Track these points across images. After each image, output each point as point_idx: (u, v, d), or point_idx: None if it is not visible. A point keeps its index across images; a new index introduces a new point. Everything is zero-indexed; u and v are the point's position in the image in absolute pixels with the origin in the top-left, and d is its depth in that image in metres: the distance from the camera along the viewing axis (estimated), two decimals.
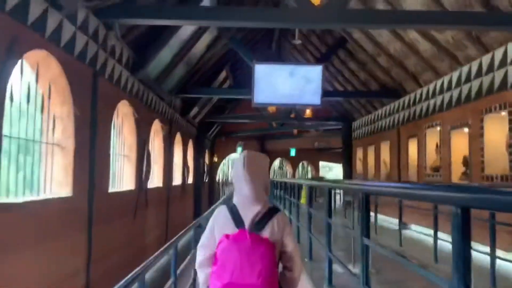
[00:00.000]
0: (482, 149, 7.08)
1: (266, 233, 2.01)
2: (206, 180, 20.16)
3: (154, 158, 10.19)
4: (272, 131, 20.56)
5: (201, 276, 2.13)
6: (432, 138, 9.26)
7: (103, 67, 6.04)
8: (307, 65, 10.84)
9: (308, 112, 17.98)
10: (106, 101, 6.25)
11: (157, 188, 10.02)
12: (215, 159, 21.40)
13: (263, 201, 2.07)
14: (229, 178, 23.87)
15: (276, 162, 26.56)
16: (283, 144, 23.37)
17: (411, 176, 10.25)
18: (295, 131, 23.45)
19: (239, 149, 22.71)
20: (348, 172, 16.00)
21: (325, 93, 10.83)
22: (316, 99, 10.66)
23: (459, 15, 6.35)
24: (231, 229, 2.01)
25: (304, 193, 18.21)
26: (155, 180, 10.16)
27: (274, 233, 2.02)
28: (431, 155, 9.35)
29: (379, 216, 8.80)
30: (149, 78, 7.97)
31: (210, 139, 20.25)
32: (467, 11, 6.50)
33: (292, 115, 17.11)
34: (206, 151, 19.73)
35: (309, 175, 27.44)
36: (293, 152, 23.94)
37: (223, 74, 13.05)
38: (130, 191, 7.78)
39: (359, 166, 15.30)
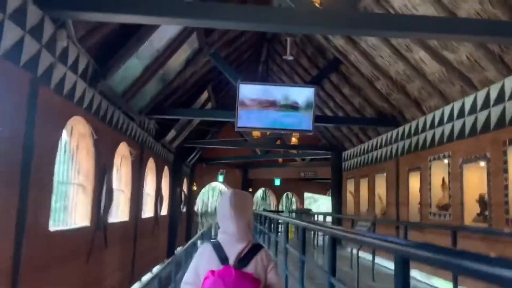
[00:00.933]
0: (506, 187, 5.98)
1: (250, 269, 2.05)
2: (184, 211, 18.68)
3: (121, 187, 8.83)
4: (256, 159, 19.37)
5: None
6: (438, 171, 8.17)
7: (47, 73, 4.77)
8: (298, 87, 9.77)
9: (294, 139, 16.93)
10: (50, 116, 4.96)
11: (122, 223, 8.62)
12: (194, 187, 20.00)
13: (248, 238, 2.13)
14: (209, 210, 22.44)
15: (259, 192, 25.28)
16: (267, 173, 22.16)
17: (412, 214, 9.10)
18: (280, 159, 22.35)
19: (220, 177, 21.39)
20: (338, 206, 14.80)
21: (316, 118, 9.74)
22: (307, 125, 9.56)
23: (481, 24, 5.39)
24: (216, 266, 2.04)
25: (291, 226, 16.93)
26: (120, 213, 8.77)
27: (258, 269, 2.07)
28: (437, 191, 8.24)
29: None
30: (114, 93, 6.73)
31: (189, 166, 18.90)
32: (492, 19, 5.54)
33: (278, 142, 16.02)
34: (185, 178, 18.35)
35: (294, 207, 26.21)
36: (277, 182, 22.73)
37: (204, 96, 11.90)
38: (84, 228, 6.39)
39: (349, 199, 14.12)
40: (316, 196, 31.53)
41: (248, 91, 9.34)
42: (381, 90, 9.62)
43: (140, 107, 8.17)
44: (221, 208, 2.16)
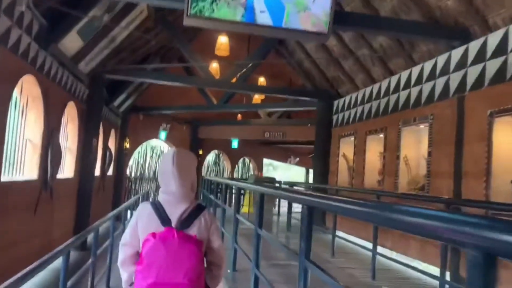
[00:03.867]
0: None
1: (193, 230, 2.00)
2: (111, 174, 13.89)
3: None
4: (211, 110, 14.67)
5: (124, 275, 2.07)
6: None
7: None
8: None
9: (262, 81, 12.55)
10: None
11: None
12: (127, 145, 15.12)
13: (190, 198, 2.06)
14: (146, 174, 17.56)
15: (211, 156, 20.80)
16: (222, 132, 17.64)
17: (500, 193, 5.08)
18: (239, 115, 17.92)
19: (162, 133, 16.62)
20: (322, 175, 10.69)
21: (338, 16, 5.32)
22: (320, 24, 5.15)
23: None
24: (157, 227, 1.96)
25: (248, 199, 12.88)
26: None
27: (201, 230, 2.02)
28: None
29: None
30: None
31: (119, 115, 13.95)
32: None
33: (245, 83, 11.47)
34: (112, 131, 13.46)
35: (251, 174, 22.03)
36: (235, 144, 18.30)
37: None
38: None
39: (342, 165, 10.04)
40: (275, 163, 27.62)
41: None
42: None
43: None
44: (163, 167, 2.07)
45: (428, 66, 6.65)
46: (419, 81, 6.88)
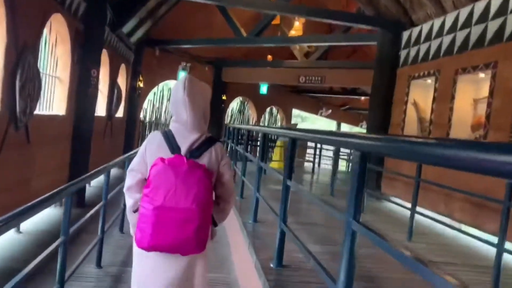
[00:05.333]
0: None
1: (203, 161, 1.94)
2: (121, 116, 11.95)
3: None
4: (239, 44, 12.21)
5: (129, 201, 2.03)
6: None
7: None
8: None
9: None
10: None
11: None
12: (141, 84, 13.01)
13: (202, 129, 2.00)
14: (163, 119, 15.45)
15: (236, 103, 18.63)
16: (249, 75, 15.33)
17: None
18: (269, 56, 15.52)
19: (181, 73, 14.40)
20: (378, 130, 8.43)
21: None
22: None
23: None
24: (166, 155, 1.91)
25: (278, 151, 11.05)
26: None
27: (211, 162, 1.97)
28: None
29: None
30: None
31: (131, 48, 11.74)
32: None
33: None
34: (123, 65, 11.33)
35: (278, 125, 19.92)
36: (264, 89, 15.96)
37: None
38: None
39: (411, 117, 7.73)
40: (304, 114, 25.35)
41: None
42: None
43: None
44: (175, 94, 1.99)
45: None
46: None
